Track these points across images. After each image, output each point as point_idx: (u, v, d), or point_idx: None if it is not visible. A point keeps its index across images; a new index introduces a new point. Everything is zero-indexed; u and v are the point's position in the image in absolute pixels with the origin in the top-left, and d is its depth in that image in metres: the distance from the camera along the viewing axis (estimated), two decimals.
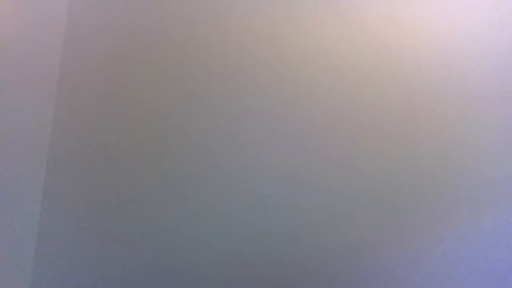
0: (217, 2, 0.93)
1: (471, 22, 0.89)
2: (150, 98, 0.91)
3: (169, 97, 0.91)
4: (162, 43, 0.93)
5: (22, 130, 0.89)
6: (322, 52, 0.90)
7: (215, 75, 0.91)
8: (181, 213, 0.88)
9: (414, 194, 0.85)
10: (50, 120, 0.91)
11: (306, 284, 0.85)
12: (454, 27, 0.89)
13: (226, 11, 0.93)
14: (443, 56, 0.89)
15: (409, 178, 0.86)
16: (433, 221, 0.84)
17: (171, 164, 0.89)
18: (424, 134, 0.87)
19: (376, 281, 0.84)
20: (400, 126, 0.87)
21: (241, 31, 0.92)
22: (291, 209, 0.87)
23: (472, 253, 0.83)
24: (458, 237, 0.84)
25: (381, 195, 0.86)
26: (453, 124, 0.87)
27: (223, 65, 0.91)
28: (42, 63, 0.92)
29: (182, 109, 0.90)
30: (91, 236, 0.88)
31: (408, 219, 0.85)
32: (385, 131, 0.87)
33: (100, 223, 0.88)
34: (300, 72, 0.90)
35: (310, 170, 0.87)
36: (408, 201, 0.85)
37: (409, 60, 0.89)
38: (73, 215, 0.88)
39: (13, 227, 0.87)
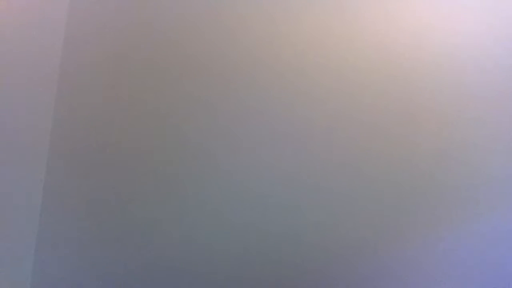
0: (217, 2, 0.93)
1: (471, 22, 0.89)
2: (150, 98, 0.91)
3: (169, 97, 0.91)
4: (162, 43, 0.93)
5: (22, 130, 0.89)
6: (322, 52, 0.90)
7: (215, 75, 0.91)
8: (181, 213, 0.88)
9: (414, 194, 0.85)
10: (50, 120, 0.91)
11: (306, 284, 0.85)
12: (454, 27, 0.89)
13: (226, 11, 0.93)
14: (443, 56, 0.89)
15: (409, 178, 0.86)
16: (433, 221, 0.84)
17: (171, 164, 0.89)
18: (424, 134, 0.87)
19: (376, 281, 0.84)
20: (400, 126, 0.87)
21: (241, 31, 0.92)
22: (291, 209, 0.87)
23: (472, 253, 0.83)
24: (458, 237, 0.84)
25: (381, 195, 0.86)
26: (453, 124, 0.87)
27: (223, 65, 0.91)
28: (42, 63, 0.92)
29: (182, 109, 0.90)
30: (91, 236, 0.88)
31: (408, 219, 0.85)
32: (385, 131, 0.87)
33: (100, 223, 0.88)
34: (300, 72, 0.90)
35: (310, 170, 0.87)
36: (408, 201, 0.85)
37: (409, 60, 0.89)
38: (73, 215, 0.88)
39: (13, 227, 0.87)
